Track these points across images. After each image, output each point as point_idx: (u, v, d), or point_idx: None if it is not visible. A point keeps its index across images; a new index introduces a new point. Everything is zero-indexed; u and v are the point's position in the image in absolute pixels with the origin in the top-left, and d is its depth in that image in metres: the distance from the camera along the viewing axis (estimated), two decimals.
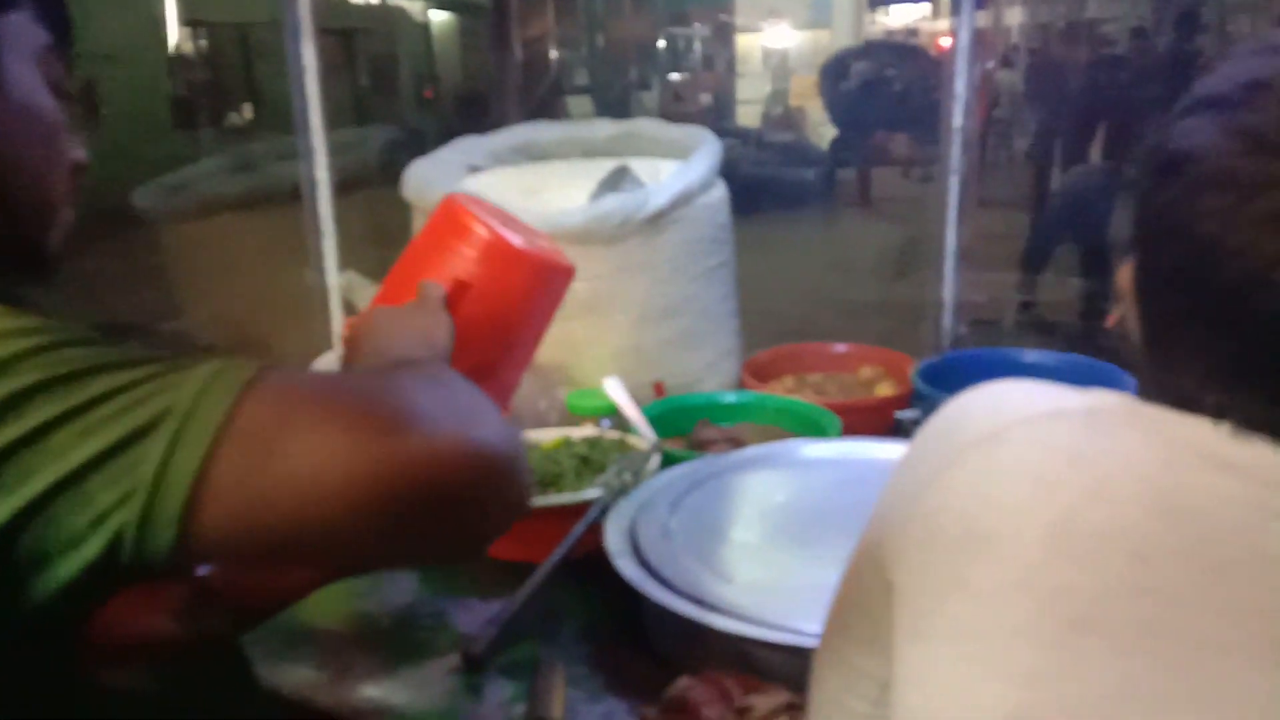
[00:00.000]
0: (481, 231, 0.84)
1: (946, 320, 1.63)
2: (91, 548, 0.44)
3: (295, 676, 0.91)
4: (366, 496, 0.45)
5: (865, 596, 0.59)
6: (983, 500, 0.51)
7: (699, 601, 0.86)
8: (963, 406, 0.58)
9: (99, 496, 0.44)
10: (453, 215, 0.87)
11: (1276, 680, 0.42)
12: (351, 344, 0.75)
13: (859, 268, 4.46)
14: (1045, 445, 0.52)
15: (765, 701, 0.77)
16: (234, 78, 9.38)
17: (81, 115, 6.76)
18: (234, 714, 0.70)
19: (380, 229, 1.72)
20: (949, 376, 1.44)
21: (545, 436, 1.31)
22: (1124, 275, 0.55)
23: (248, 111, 9.38)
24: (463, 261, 0.84)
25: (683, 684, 0.79)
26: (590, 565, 1.03)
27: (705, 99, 9.57)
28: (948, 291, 1.62)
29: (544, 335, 0.95)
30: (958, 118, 1.61)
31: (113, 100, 7.13)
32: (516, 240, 0.87)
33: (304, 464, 0.45)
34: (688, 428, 1.42)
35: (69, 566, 0.44)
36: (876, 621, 0.57)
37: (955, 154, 1.62)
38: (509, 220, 0.93)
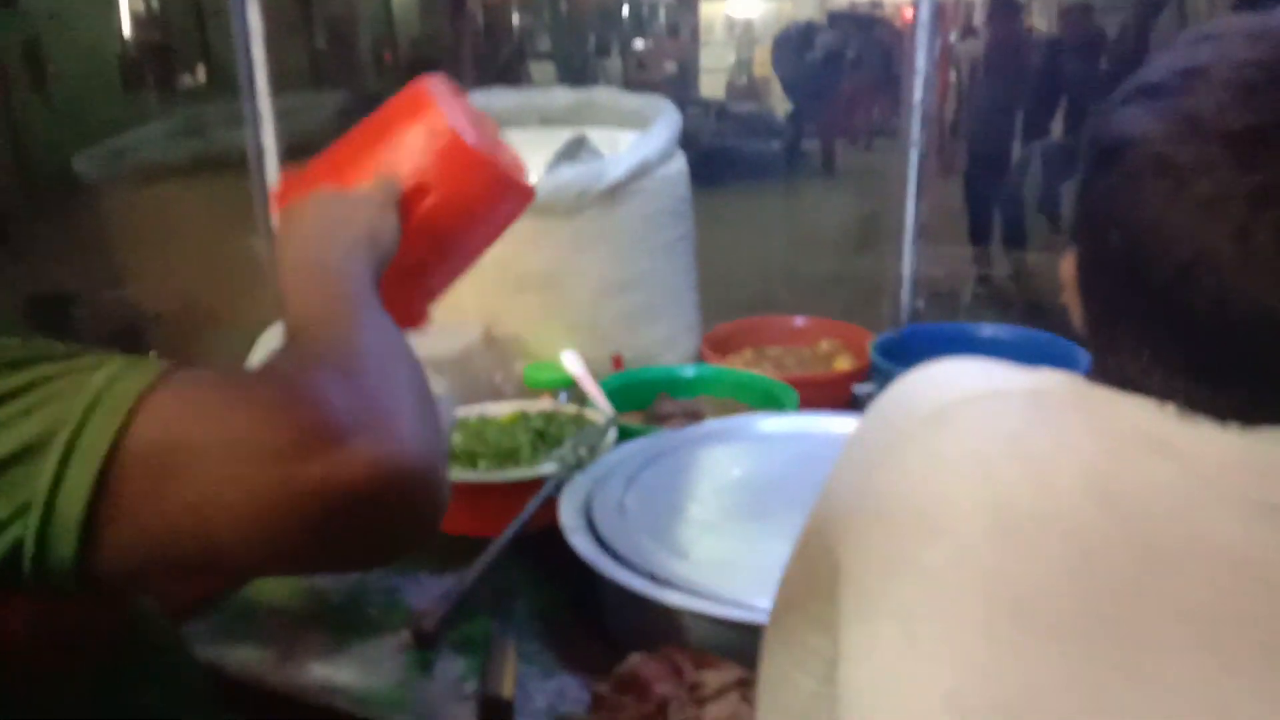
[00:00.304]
0: (446, 127, 0.78)
1: (905, 295, 1.64)
2: None
3: (240, 655, 0.90)
4: (272, 521, 0.43)
5: (813, 575, 0.59)
6: (927, 484, 0.51)
7: (653, 578, 0.86)
8: (908, 386, 0.58)
9: None
10: (420, 102, 0.80)
11: (1214, 672, 0.43)
12: (290, 220, 0.68)
13: (820, 241, 4.46)
14: (986, 428, 0.52)
15: (717, 678, 0.77)
16: (187, 38, 9.10)
17: (27, 77, 6.51)
18: (171, 701, 0.69)
19: None
20: (906, 351, 1.45)
21: (501, 410, 1.29)
22: (1066, 265, 0.55)
23: (201, 74, 9.11)
24: (421, 156, 0.78)
25: (634, 660, 0.79)
26: (544, 541, 1.02)
27: (669, 67, 9.48)
28: (906, 266, 1.62)
29: (486, 251, 0.90)
30: (918, 91, 1.60)
31: (59, 61, 6.88)
32: (483, 147, 0.81)
33: (204, 487, 0.43)
34: (646, 402, 1.41)
35: None
36: (824, 600, 0.57)
37: (915, 128, 1.61)
38: (478, 119, 0.87)
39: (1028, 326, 1.55)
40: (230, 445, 0.43)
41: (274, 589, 1.03)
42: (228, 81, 1.69)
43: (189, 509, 0.43)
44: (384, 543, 0.47)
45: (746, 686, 0.77)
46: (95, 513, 0.42)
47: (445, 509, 0.49)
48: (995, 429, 0.51)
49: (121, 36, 8.24)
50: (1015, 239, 4.14)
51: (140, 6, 8.92)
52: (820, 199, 6.27)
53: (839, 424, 1.19)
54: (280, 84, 1.68)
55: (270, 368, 0.50)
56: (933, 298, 1.75)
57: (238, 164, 1.66)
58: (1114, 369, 0.50)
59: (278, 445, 0.43)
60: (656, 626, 0.86)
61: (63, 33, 6.82)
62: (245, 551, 0.44)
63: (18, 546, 0.42)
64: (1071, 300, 0.56)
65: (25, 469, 0.42)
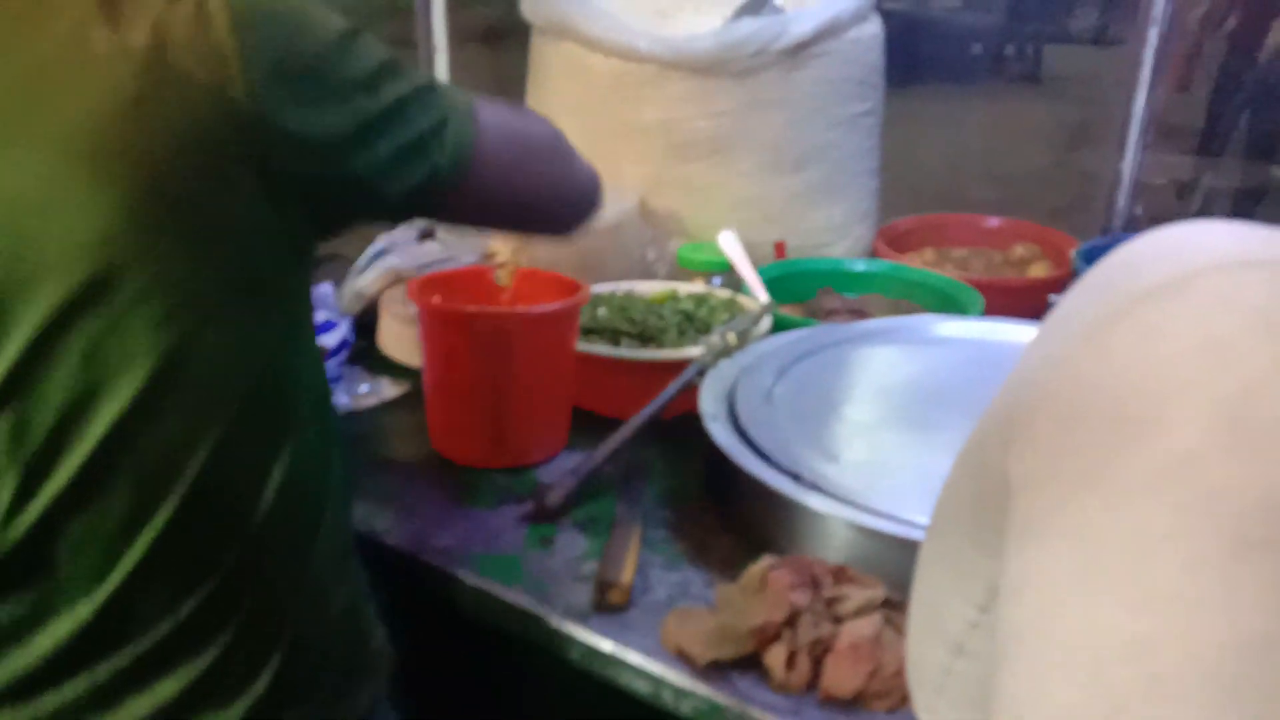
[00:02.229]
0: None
1: (1121, 199, 1.42)
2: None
3: (361, 510, 0.88)
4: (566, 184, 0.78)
5: (979, 484, 0.47)
6: (1143, 369, 0.38)
7: (796, 477, 0.76)
8: (1136, 250, 0.43)
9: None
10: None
11: None
12: None
13: (1021, 138, 3.98)
14: (1232, 302, 0.37)
15: (860, 594, 0.68)
16: None
17: None
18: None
19: (497, 60, 1.60)
20: None
21: (650, 288, 1.21)
22: None
23: None
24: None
25: (767, 563, 0.70)
26: (682, 428, 0.94)
27: None
28: (1128, 165, 1.40)
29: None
30: None
31: None
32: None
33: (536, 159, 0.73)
34: (809, 294, 1.29)
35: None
36: (990, 515, 0.45)
37: (1158, 2, 1.36)
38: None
39: None
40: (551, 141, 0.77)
41: (403, 448, 1.01)
42: None
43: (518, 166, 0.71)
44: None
45: (893, 609, 0.67)
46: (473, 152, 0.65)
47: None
48: (1241, 305, 0.37)
49: None
50: (1263, 149, 3.55)
51: None
52: (1027, 102, 5.70)
53: (1027, 333, 1.04)
54: None
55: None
56: (1151, 209, 1.51)
57: (404, 17, 1.61)
58: None
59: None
60: (795, 530, 0.77)
61: None
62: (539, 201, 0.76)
63: (434, 172, 0.63)
64: None
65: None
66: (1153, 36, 1.34)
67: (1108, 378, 0.39)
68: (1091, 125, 3.57)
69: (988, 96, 5.75)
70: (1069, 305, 0.45)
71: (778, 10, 1.25)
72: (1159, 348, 0.38)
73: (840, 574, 0.70)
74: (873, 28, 1.28)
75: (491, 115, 0.67)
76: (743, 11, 1.25)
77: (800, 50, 1.18)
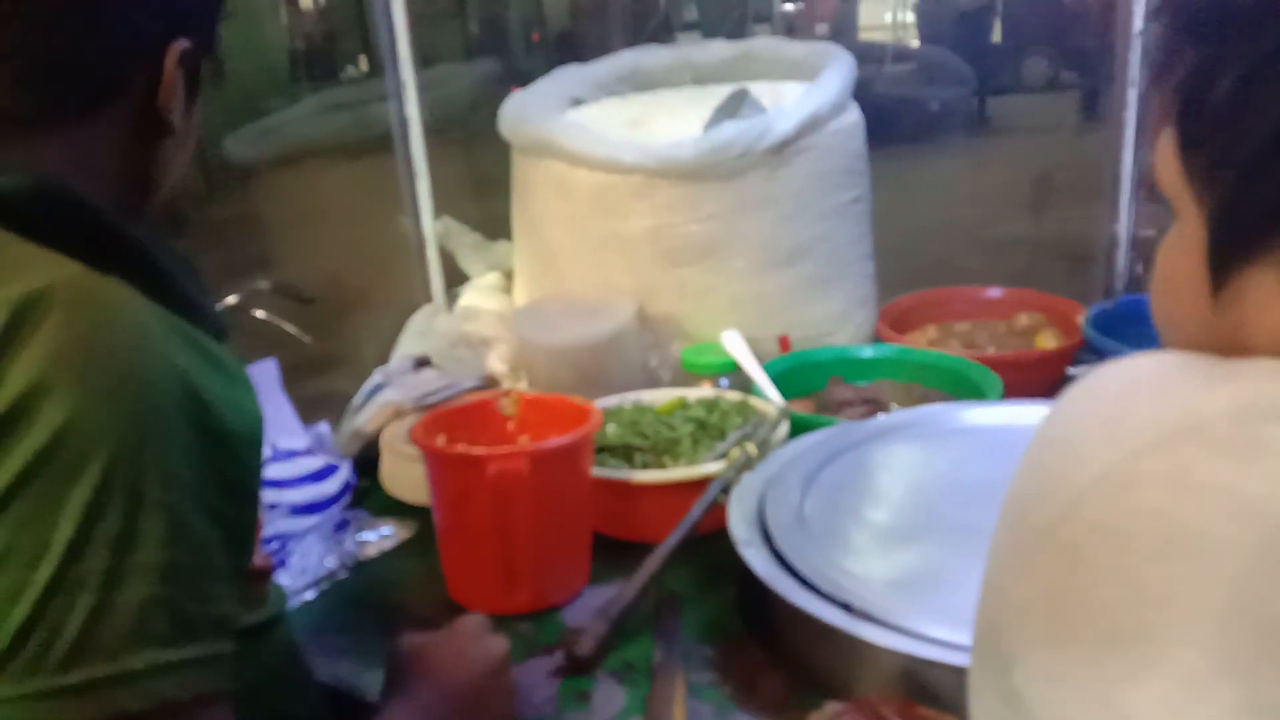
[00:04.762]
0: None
1: (1121, 260, 1.41)
2: None
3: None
4: None
5: (999, 689, 0.43)
6: (1121, 581, 0.36)
7: (847, 607, 0.71)
8: (1068, 421, 0.41)
9: None
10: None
11: None
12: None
13: (1007, 200, 4.01)
14: (1189, 489, 0.35)
15: None
16: (349, 30, 9.44)
17: (209, 74, 6.92)
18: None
19: (478, 170, 1.61)
20: (1126, 325, 1.24)
21: (658, 398, 1.18)
22: (1165, 155, 0.40)
23: (363, 63, 9.44)
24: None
25: (831, 710, 0.65)
26: (710, 547, 0.89)
27: (821, 29, 9.09)
28: (1124, 225, 1.39)
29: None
30: (1138, 20, 1.36)
31: (234, 57, 7.27)
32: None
33: None
34: (817, 386, 1.26)
35: None
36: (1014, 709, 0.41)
37: (1134, 63, 1.38)
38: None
39: None
40: None
41: (417, 598, 0.95)
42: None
43: None
44: None
45: None
46: None
47: None
48: (1199, 488, 0.35)
49: (289, 32, 8.63)
50: None
51: (309, 3, 9.32)
52: (982, 152, 5.80)
53: None
54: (430, 62, 1.62)
55: None
56: (1150, 262, 1.50)
57: (383, 142, 1.61)
58: None
59: None
60: (849, 660, 0.72)
61: (236, 31, 7.20)
62: None
63: None
64: (1184, 206, 0.41)
65: None
66: (1131, 98, 1.35)
67: (1079, 590, 0.36)
68: (1057, 178, 3.62)
69: (946, 152, 5.85)
70: (1017, 488, 0.42)
71: (757, 109, 1.25)
72: (1126, 555, 0.35)
73: (909, 713, 0.65)
74: (853, 116, 1.28)
75: None
76: (720, 114, 1.25)
77: (784, 148, 1.18)
